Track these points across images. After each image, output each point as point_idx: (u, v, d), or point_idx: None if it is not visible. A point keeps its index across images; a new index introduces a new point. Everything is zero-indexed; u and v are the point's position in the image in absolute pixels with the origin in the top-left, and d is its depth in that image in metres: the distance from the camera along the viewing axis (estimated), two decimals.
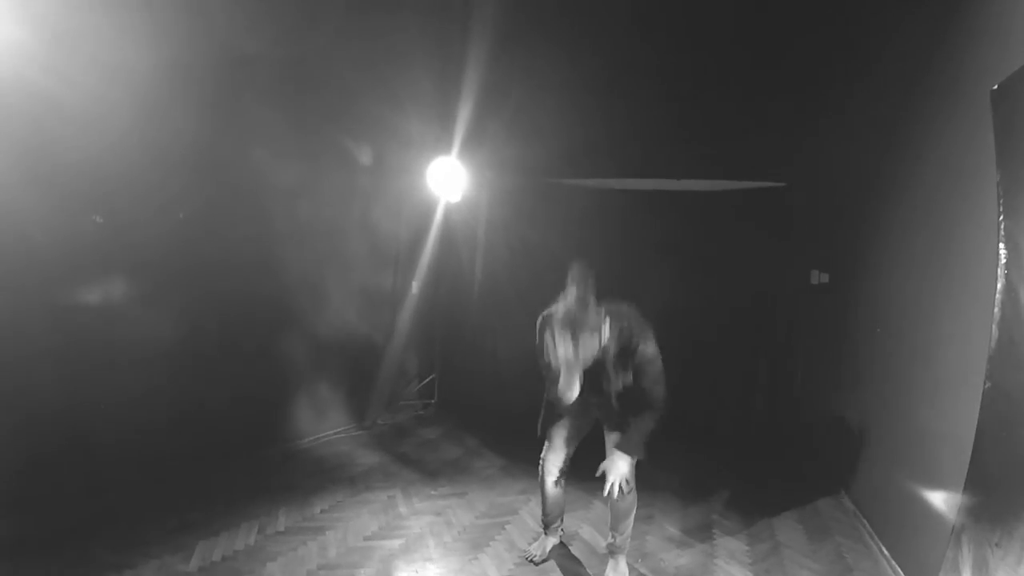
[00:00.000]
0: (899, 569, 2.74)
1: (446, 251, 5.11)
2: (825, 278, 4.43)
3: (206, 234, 3.37)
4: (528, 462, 4.05)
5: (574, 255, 4.60)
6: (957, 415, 2.35)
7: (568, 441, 2.81)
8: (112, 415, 2.94)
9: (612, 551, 2.77)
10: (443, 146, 4.78)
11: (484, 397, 4.97)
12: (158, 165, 3.03)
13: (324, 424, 4.29)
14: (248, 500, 3.14)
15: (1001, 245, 2.19)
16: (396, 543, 2.92)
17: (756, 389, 4.35)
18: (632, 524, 2.73)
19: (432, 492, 3.54)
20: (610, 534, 2.77)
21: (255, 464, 3.62)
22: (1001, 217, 2.22)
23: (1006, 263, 2.19)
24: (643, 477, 3.99)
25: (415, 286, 5.00)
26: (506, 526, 3.19)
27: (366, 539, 2.94)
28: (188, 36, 3.04)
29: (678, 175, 4.30)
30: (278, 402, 3.99)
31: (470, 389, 5.12)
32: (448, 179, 4.66)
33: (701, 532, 3.20)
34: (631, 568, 2.76)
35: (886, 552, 2.91)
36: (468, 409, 5.07)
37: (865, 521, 3.29)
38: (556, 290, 5.01)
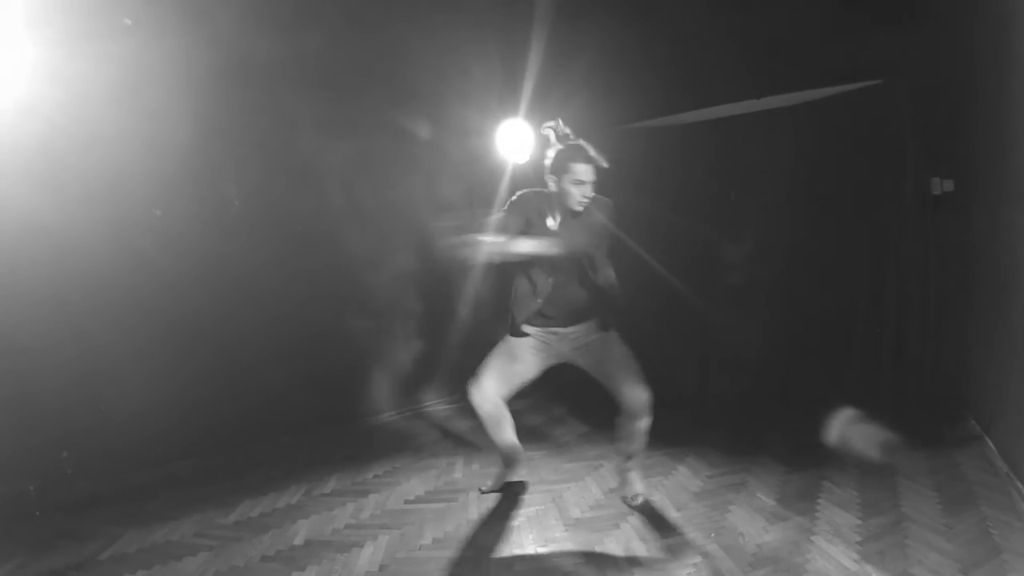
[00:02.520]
0: None
1: None
2: (949, 185, 3.36)
3: (263, 218, 3.52)
4: (611, 429, 3.66)
5: (653, 204, 4.08)
6: None
7: (507, 378, 2.76)
8: (191, 392, 3.18)
9: (626, 470, 2.72)
10: (509, 108, 4.52)
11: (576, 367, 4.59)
12: (208, 152, 3.22)
13: (405, 399, 4.25)
14: (307, 467, 3.20)
15: None
16: (437, 506, 2.74)
17: (882, 334, 3.41)
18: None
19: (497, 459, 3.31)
20: (623, 459, 2.71)
21: (326, 437, 3.68)
22: None
23: None
24: (742, 437, 3.43)
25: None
26: (564, 492, 2.84)
27: (407, 502, 2.80)
28: (228, 19, 3.16)
29: (758, 93, 3.53)
30: (355, 379, 4.02)
31: None
32: (517, 142, 4.40)
33: (802, 502, 2.52)
34: (709, 543, 2.26)
35: None
36: (560, 378, 4.72)
37: (1021, 485, 2.33)
38: (644, 244, 4.45)
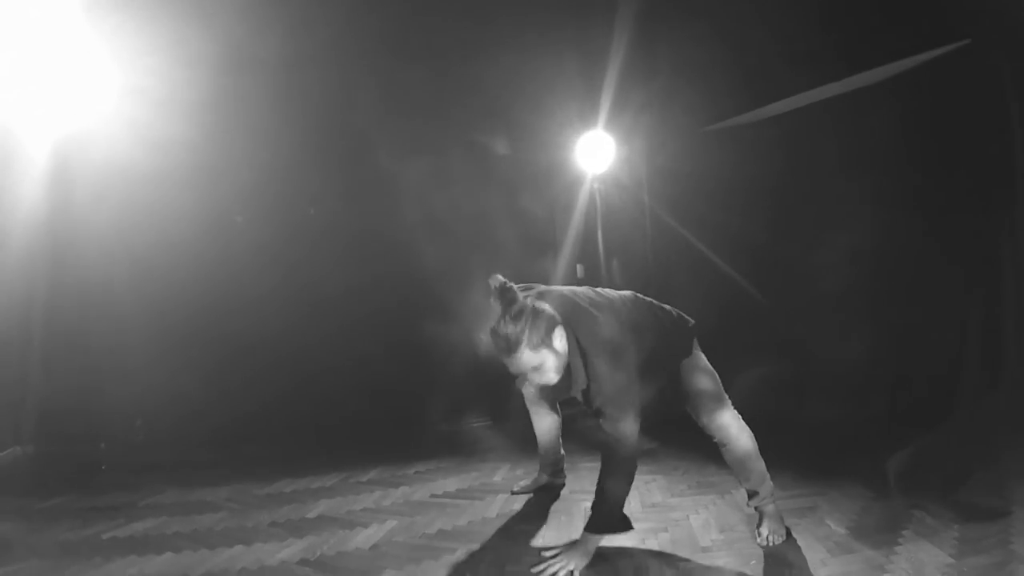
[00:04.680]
0: None
1: (609, 230, 4.63)
2: None
3: (345, 232, 3.81)
4: (678, 446, 3.25)
5: (743, 209, 3.69)
6: None
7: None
8: (267, 387, 3.50)
9: (758, 507, 2.12)
10: (589, 119, 4.44)
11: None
12: (290, 170, 3.59)
13: (476, 410, 4.19)
14: (356, 458, 3.25)
15: None
16: (461, 503, 2.60)
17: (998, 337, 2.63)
18: (762, 463, 2.10)
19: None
20: (745, 491, 2.14)
21: (389, 438, 3.73)
22: None
23: None
24: (826, 460, 2.86)
25: (580, 270, 4.64)
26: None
27: (434, 496, 2.70)
28: (308, 45, 3.55)
29: (841, 75, 3.04)
30: (429, 386, 4.05)
31: None
32: (597, 154, 4.31)
33: (881, 534, 1.97)
34: (746, 568, 1.87)
35: None
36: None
37: None
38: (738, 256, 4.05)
